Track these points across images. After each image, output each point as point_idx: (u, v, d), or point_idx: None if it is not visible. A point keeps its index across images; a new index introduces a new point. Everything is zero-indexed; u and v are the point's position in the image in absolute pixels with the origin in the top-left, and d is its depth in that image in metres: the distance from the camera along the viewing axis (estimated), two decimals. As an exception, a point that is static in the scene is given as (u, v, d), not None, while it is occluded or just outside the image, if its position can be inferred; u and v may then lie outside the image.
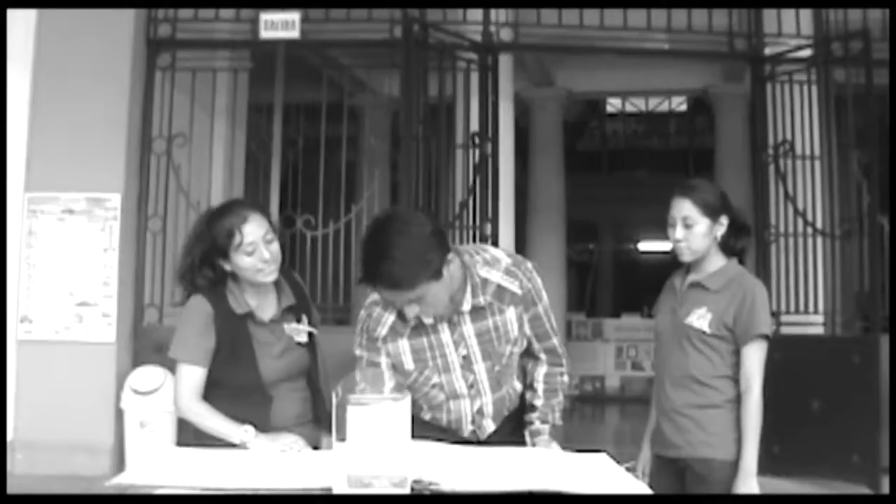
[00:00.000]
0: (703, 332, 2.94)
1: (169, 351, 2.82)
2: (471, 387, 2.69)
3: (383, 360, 2.66)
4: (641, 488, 2.11)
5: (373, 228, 2.46)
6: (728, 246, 3.02)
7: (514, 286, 2.63)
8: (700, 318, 2.95)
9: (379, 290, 2.46)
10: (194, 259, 2.80)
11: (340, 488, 1.92)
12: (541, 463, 2.36)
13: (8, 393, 6.15)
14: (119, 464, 6.04)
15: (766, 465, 6.63)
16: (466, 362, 2.65)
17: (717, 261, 3.00)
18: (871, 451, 5.92)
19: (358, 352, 2.69)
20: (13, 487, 5.43)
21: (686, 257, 3.00)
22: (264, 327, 2.85)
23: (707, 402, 2.95)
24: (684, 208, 2.96)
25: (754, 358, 2.89)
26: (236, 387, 2.79)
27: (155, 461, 2.35)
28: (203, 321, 2.78)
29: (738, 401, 2.93)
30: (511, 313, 2.64)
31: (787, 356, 6.53)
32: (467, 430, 2.76)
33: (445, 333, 2.62)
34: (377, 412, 1.92)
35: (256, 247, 2.74)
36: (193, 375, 2.78)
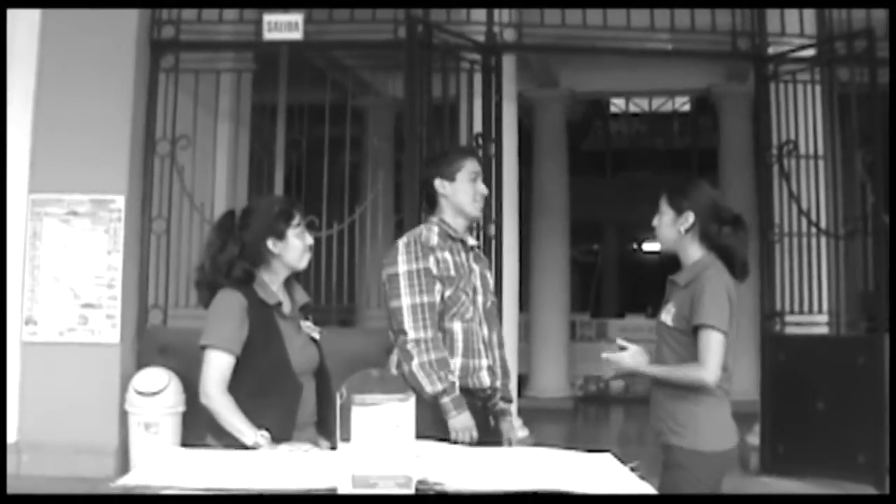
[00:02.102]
0: (667, 326, 3.07)
1: (201, 339, 2.87)
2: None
3: (432, 265, 3.23)
4: (646, 489, 2.11)
5: None
6: (709, 237, 3.11)
7: (483, 256, 3.56)
8: (667, 314, 3.10)
9: (475, 162, 3.43)
10: (234, 250, 2.89)
11: (345, 489, 1.92)
12: (545, 463, 2.36)
13: (13, 394, 6.18)
14: (124, 465, 6.04)
15: (771, 465, 6.66)
16: (474, 290, 3.34)
17: (694, 255, 3.13)
18: (876, 450, 5.91)
19: (410, 266, 3.21)
20: (20, 489, 5.45)
21: (660, 246, 3.23)
22: (286, 321, 2.95)
23: (674, 393, 3.04)
24: (661, 200, 3.20)
25: (702, 347, 2.96)
26: (269, 375, 2.86)
27: (159, 462, 2.35)
28: (238, 312, 2.86)
29: (704, 392, 3.01)
30: (488, 273, 3.49)
31: (791, 356, 6.54)
32: (485, 363, 3.29)
33: (464, 258, 3.36)
34: (382, 412, 1.92)
35: (304, 231, 2.99)
36: (223, 363, 2.83)
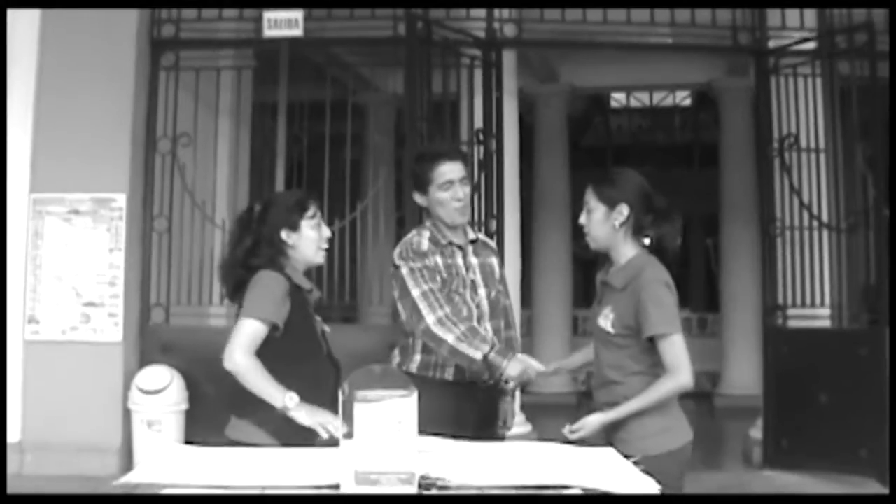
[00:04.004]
0: (608, 332, 2.92)
1: (241, 313, 2.88)
2: (477, 306, 3.31)
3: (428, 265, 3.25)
4: (648, 483, 2.11)
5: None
6: (642, 229, 2.96)
7: (491, 243, 3.62)
8: (605, 319, 2.93)
9: (448, 164, 3.28)
10: (248, 242, 2.95)
11: (348, 485, 1.93)
12: (548, 458, 2.36)
13: (16, 394, 6.18)
14: (127, 463, 6.05)
15: (774, 459, 6.66)
16: (473, 286, 3.34)
17: (627, 253, 2.96)
18: (879, 443, 5.91)
19: (409, 265, 3.24)
20: (23, 488, 5.45)
21: (591, 244, 3.04)
22: (310, 308, 3.07)
23: (614, 400, 2.89)
24: (587, 195, 3.01)
25: (667, 354, 2.82)
26: (308, 356, 2.96)
27: (163, 460, 2.35)
28: (281, 291, 2.91)
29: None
30: (494, 260, 3.49)
31: (794, 350, 6.53)
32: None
33: (459, 258, 3.34)
34: (384, 409, 1.92)
35: (321, 223, 3.02)
36: (254, 331, 2.84)
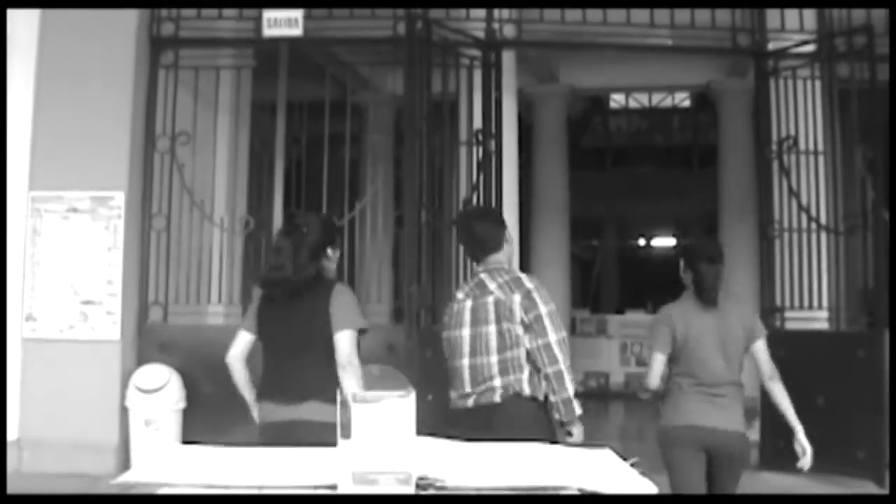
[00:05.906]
0: None
1: (355, 324, 3.30)
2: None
3: None
4: (645, 484, 2.11)
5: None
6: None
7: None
8: None
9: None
10: (314, 259, 3.43)
11: (345, 486, 1.93)
12: (545, 459, 2.36)
13: (14, 391, 6.18)
14: (124, 462, 6.05)
15: (771, 461, 6.65)
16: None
17: None
18: (876, 446, 5.91)
19: (550, 307, 3.64)
20: (21, 486, 5.45)
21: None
22: None
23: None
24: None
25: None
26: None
27: (160, 459, 2.35)
28: None
29: (671, 386, 3.90)
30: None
31: (791, 352, 6.51)
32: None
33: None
34: (382, 409, 1.92)
35: None
36: (355, 339, 3.29)
